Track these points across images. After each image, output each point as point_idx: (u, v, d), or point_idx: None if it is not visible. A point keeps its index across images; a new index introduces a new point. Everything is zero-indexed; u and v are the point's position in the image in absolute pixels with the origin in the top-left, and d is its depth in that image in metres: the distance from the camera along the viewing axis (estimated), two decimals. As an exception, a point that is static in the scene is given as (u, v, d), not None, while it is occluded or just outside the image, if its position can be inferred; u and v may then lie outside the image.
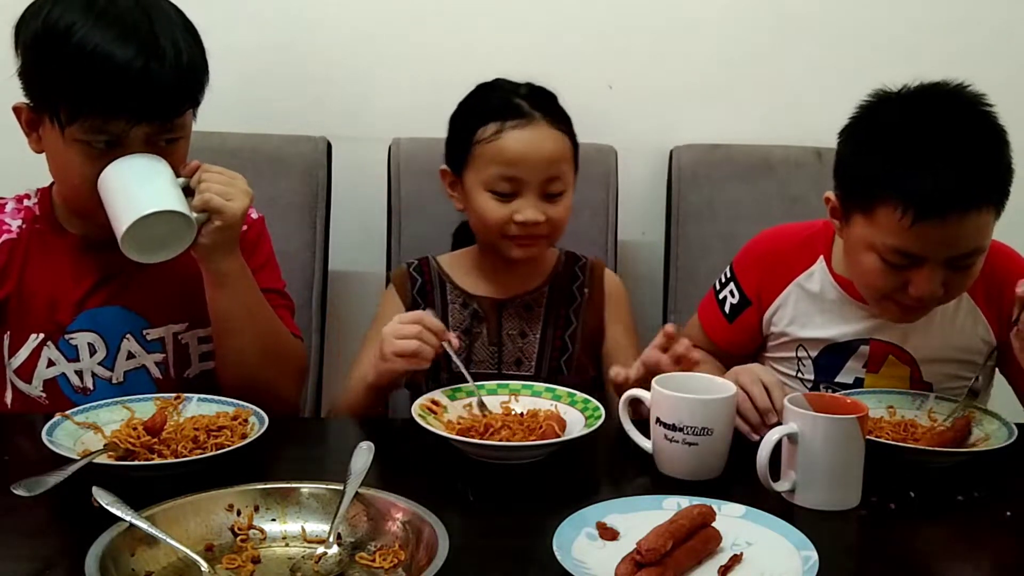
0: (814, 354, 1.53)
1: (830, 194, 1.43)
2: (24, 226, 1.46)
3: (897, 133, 1.33)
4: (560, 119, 1.58)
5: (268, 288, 1.49)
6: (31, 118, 1.38)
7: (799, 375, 1.55)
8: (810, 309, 1.53)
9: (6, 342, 1.45)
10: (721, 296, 1.61)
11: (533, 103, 1.57)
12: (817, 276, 1.53)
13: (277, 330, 1.47)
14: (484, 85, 1.64)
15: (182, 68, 1.33)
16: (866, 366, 1.50)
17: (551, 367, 1.61)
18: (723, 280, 1.62)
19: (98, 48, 1.28)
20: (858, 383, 1.50)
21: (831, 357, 1.51)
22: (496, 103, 1.58)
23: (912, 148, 1.30)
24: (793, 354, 1.55)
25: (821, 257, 1.52)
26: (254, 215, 1.56)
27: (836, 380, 1.52)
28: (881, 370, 1.50)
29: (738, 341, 1.61)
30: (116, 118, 1.31)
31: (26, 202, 1.49)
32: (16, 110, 1.39)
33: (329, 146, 1.97)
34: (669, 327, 1.35)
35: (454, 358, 1.40)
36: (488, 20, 2.06)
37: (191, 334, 1.49)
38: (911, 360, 1.49)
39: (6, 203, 1.49)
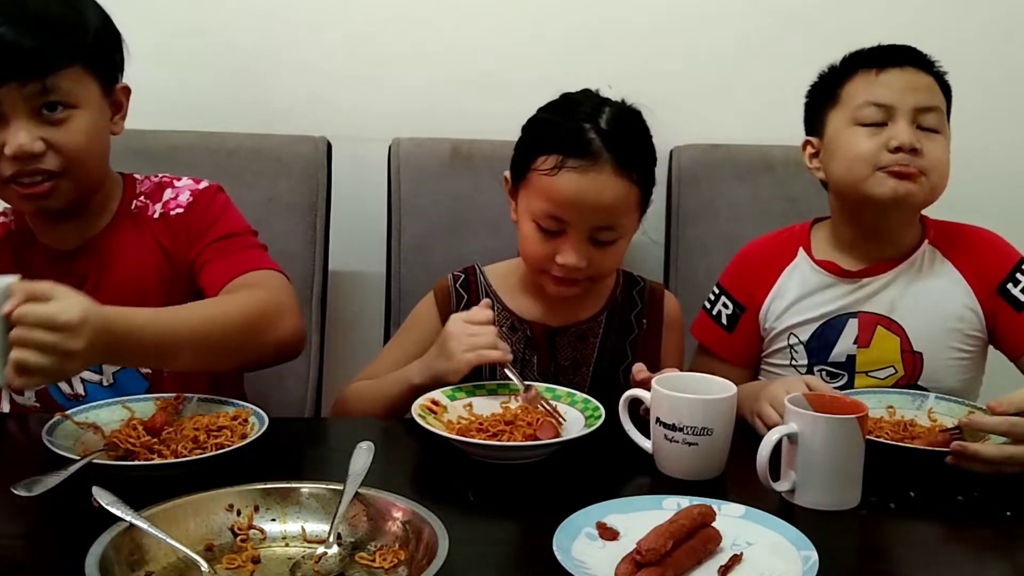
0: (805, 338, 1.57)
1: (808, 139, 1.62)
2: (1, 241, 1.46)
3: (851, 54, 1.59)
4: (631, 163, 1.44)
5: (232, 232, 1.44)
6: None
7: (792, 363, 1.59)
8: (798, 296, 1.59)
9: None
10: (715, 312, 1.66)
11: (607, 140, 1.42)
12: (800, 267, 1.61)
13: (228, 322, 1.29)
14: (568, 97, 1.51)
15: (49, 25, 1.29)
16: (856, 341, 1.54)
17: (603, 404, 1.49)
18: (712, 299, 1.67)
19: None
20: (851, 360, 1.55)
21: (822, 338, 1.56)
22: (565, 133, 1.44)
23: (867, 50, 1.56)
24: (785, 343, 1.59)
25: (800, 249, 1.62)
26: (202, 186, 1.50)
27: (829, 360, 1.56)
28: (872, 343, 1.54)
29: (741, 350, 1.64)
30: None
31: (0, 219, 1.49)
32: None
33: (329, 146, 1.97)
34: (637, 370, 1.37)
35: (512, 376, 1.37)
36: (488, 20, 2.06)
37: None
38: (900, 330, 1.54)
39: None
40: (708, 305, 1.67)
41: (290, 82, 2.05)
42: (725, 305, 1.64)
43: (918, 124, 1.49)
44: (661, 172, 2.04)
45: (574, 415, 1.34)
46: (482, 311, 1.40)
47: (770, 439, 1.14)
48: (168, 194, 1.49)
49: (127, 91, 1.45)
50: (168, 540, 0.95)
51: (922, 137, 1.48)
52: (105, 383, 1.45)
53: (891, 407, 1.42)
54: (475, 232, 1.94)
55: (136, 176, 1.52)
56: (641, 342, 1.58)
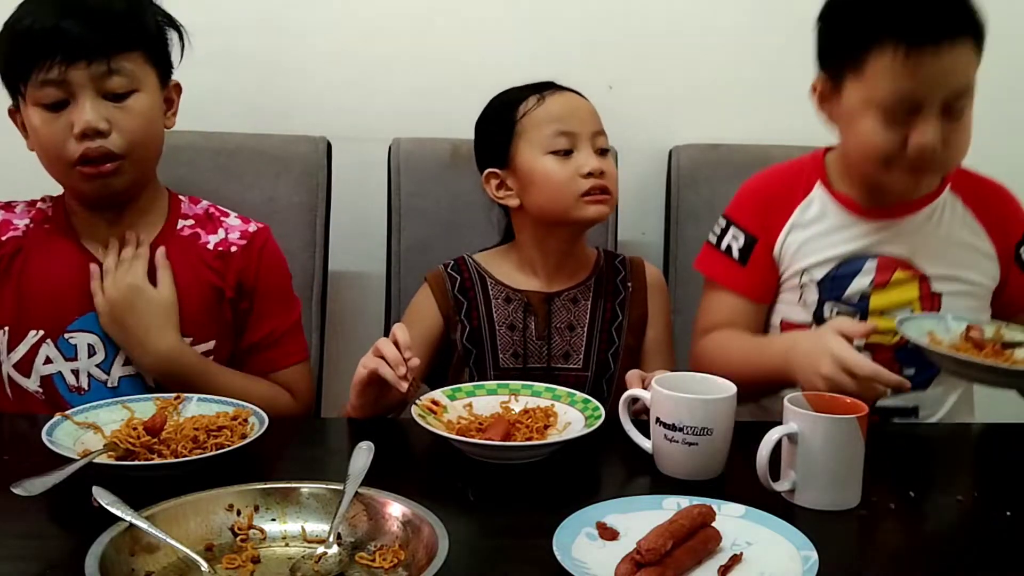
0: (819, 276, 1.52)
1: (815, 81, 1.48)
2: (31, 225, 1.51)
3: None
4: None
5: (279, 293, 1.60)
6: (18, 117, 1.47)
7: (802, 300, 1.55)
8: (814, 235, 1.54)
9: (3, 338, 1.47)
10: (724, 246, 1.59)
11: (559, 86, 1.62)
12: (816, 201, 1.55)
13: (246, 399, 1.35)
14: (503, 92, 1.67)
15: (112, 15, 1.41)
16: (873, 283, 1.51)
17: (599, 360, 1.61)
18: (719, 232, 1.60)
19: (30, 15, 1.40)
20: (864, 300, 1.51)
21: (837, 278, 1.52)
22: (526, 88, 1.62)
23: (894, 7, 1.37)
24: (797, 281, 1.55)
25: (818, 182, 1.55)
26: (252, 228, 1.59)
27: (843, 298, 1.52)
28: (889, 285, 1.51)
29: (759, 283, 1.57)
30: (53, 62, 1.37)
31: (39, 205, 1.54)
32: (10, 114, 1.48)
33: (329, 146, 1.97)
34: (634, 377, 1.39)
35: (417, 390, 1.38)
36: (488, 21, 2.06)
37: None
38: (920, 275, 1.51)
39: (17, 205, 1.54)
40: (713, 240, 1.61)
41: (290, 82, 2.05)
42: (735, 238, 1.57)
43: (945, 112, 1.37)
44: (661, 172, 2.05)
45: (574, 415, 1.34)
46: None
47: (770, 439, 1.14)
48: (221, 232, 1.57)
49: (179, 88, 1.56)
50: (168, 540, 0.95)
51: (948, 128, 1.38)
52: (109, 384, 1.47)
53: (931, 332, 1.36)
54: (475, 232, 1.94)
55: (180, 197, 1.60)
56: (629, 303, 1.66)
